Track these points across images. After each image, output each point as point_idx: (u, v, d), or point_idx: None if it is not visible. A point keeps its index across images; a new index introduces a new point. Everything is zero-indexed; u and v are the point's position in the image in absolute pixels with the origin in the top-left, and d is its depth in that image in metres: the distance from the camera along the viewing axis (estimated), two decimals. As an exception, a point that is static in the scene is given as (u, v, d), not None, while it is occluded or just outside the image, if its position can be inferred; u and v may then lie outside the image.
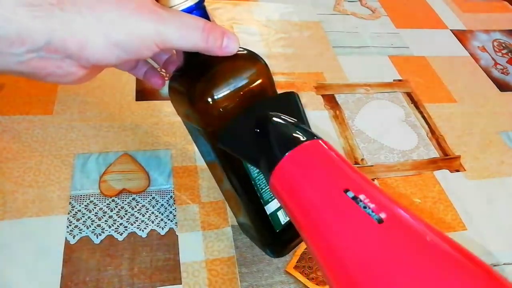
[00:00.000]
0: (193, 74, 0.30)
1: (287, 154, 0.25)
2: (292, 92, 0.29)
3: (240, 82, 0.30)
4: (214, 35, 0.27)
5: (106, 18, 0.25)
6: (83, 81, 0.28)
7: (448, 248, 0.21)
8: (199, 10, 0.29)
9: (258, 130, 0.27)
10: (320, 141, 0.26)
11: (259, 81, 0.31)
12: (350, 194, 0.22)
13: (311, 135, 0.26)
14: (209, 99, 0.29)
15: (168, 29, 0.26)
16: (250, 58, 0.31)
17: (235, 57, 0.30)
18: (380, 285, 0.19)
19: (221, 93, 0.29)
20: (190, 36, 0.27)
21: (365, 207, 0.21)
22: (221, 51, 0.28)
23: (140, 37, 0.26)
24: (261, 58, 0.32)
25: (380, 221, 0.21)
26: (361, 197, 0.22)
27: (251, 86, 0.30)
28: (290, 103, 0.29)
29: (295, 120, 0.28)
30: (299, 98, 0.29)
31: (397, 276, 0.19)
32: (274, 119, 0.27)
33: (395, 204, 0.22)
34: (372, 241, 0.21)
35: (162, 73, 0.39)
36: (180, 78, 0.31)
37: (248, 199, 0.34)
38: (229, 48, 0.28)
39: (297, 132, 0.26)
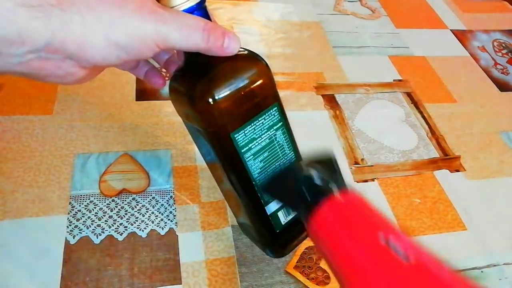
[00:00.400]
0: (193, 74, 0.30)
1: (324, 201, 0.28)
2: (330, 157, 0.33)
3: (240, 82, 0.30)
4: (215, 35, 0.27)
5: (106, 18, 0.24)
6: (84, 81, 0.28)
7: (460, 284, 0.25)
8: (200, 10, 0.29)
9: (299, 181, 0.31)
10: (353, 191, 0.30)
11: (260, 82, 0.30)
12: (382, 236, 0.25)
13: (345, 186, 0.30)
14: (210, 100, 0.29)
15: (168, 29, 0.26)
16: (251, 59, 0.31)
17: (236, 57, 0.30)
18: None
19: (222, 93, 0.29)
20: (190, 36, 0.27)
21: (395, 248, 0.25)
22: (222, 51, 0.28)
23: (141, 37, 0.26)
24: (262, 59, 0.31)
25: (408, 259, 0.24)
26: (391, 239, 0.25)
27: (252, 87, 0.30)
28: (327, 161, 0.33)
29: (332, 174, 0.32)
30: (335, 159, 0.33)
31: None
32: (314, 171, 0.31)
33: (418, 245, 0.26)
34: (401, 277, 0.24)
35: (163, 73, 0.39)
36: (181, 78, 0.31)
37: (248, 199, 0.34)
38: (230, 48, 0.28)
39: (333, 183, 0.30)
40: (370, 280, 0.25)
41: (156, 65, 0.38)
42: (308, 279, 0.40)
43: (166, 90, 0.55)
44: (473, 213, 0.49)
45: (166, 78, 0.37)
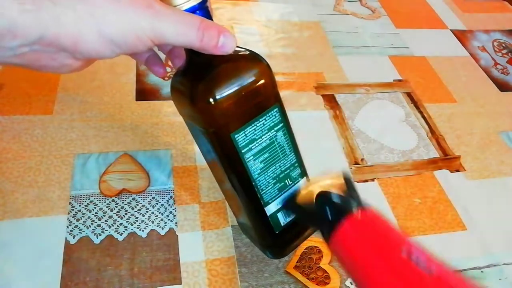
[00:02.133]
0: (195, 74, 0.30)
1: (345, 219, 0.29)
2: (345, 173, 0.34)
3: (242, 82, 0.29)
4: (209, 34, 0.27)
5: (99, 12, 0.24)
6: (80, 70, 0.28)
7: None
8: (202, 10, 0.29)
9: (320, 200, 0.32)
10: (372, 210, 0.30)
11: (261, 82, 0.30)
12: (404, 252, 0.26)
13: (364, 205, 0.30)
14: (211, 100, 0.29)
15: (163, 25, 0.26)
16: (252, 59, 0.31)
17: (238, 57, 0.30)
18: None
19: (223, 93, 0.29)
20: (185, 33, 0.26)
21: (417, 261, 0.26)
22: (216, 50, 0.28)
23: (135, 32, 0.25)
24: (264, 59, 0.31)
25: (430, 272, 0.25)
26: (414, 254, 0.26)
27: (253, 87, 0.30)
28: (343, 179, 0.34)
29: (350, 193, 0.32)
30: (351, 178, 0.34)
31: None
32: (334, 191, 0.32)
33: (437, 259, 0.26)
34: None
35: (169, 64, 0.38)
36: (183, 77, 0.31)
37: (248, 200, 0.34)
38: (224, 47, 0.28)
39: (353, 203, 0.31)
40: None
41: (161, 55, 0.38)
42: (308, 279, 0.40)
43: (165, 90, 0.55)
44: (473, 213, 0.49)
45: (168, 73, 0.37)
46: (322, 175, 0.35)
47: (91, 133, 0.48)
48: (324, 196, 0.32)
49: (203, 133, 0.31)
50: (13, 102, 0.50)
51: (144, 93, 0.54)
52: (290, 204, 0.35)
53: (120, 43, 0.25)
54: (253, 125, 0.31)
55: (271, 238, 0.36)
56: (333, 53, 0.67)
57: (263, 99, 0.31)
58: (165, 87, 0.55)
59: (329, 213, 0.30)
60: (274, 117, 0.32)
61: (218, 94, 0.29)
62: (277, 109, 0.32)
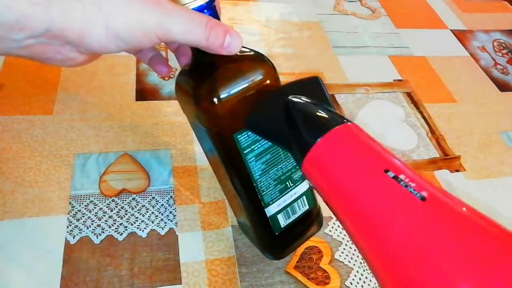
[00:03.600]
0: (200, 73, 0.30)
1: (320, 138, 0.24)
2: (316, 77, 0.28)
3: (246, 83, 0.29)
4: (215, 33, 0.27)
5: (107, 7, 0.24)
6: (84, 64, 0.28)
7: (485, 221, 0.23)
8: (210, 9, 0.29)
9: (287, 115, 0.26)
10: (352, 124, 0.26)
11: (265, 83, 0.30)
12: (391, 174, 0.22)
13: (342, 119, 0.25)
14: (215, 99, 0.29)
15: (170, 22, 0.26)
16: (257, 59, 0.31)
17: (243, 57, 0.30)
18: (429, 261, 0.20)
19: (227, 93, 0.29)
20: (192, 31, 0.26)
21: (406, 186, 0.22)
22: (222, 49, 0.28)
23: (142, 28, 0.25)
24: (269, 60, 0.31)
25: (423, 199, 0.21)
26: (402, 176, 0.22)
27: (257, 88, 0.30)
28: (314, 87, 0.28)
29: (324, 104, 0.27)
30: (322, 82, 0.28)
31: (445, 250, 0.20)
32: (304, 103, 0.26)
33: (431, 184, 0.22)
34: (417, 218, 0.21)
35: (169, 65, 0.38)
36: (187, 77, 0.31)
37: (248, 201, 0.34)
38: (230, 47, 0.28)
39: (328, 116, 0.25)
40: (383, 222, 0.22)
41: (163, 53, 0.37)
42: (308, 279, 0.40)
43: (165, 90, 0.55)
44: (473, 213, 0.49)
45: (172, 71, 0.37)
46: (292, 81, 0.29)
47: (91, 133, 0.48)
48: (296, 107, 0.26)
49: (206, 132, 0.31)
50: (13, 102, 0.50)
51: (144, 93, 0.54)
52: (255, 120, 0.29)
53: (126, 39, 0.26)
54: None
55: (271, 239, 0.36)
56: (333, 53, 0.67)
57: None
58: (165, 87, 0.55)
59: (299, 128, 0.25)
60: None
61: (222, 94, 0.29)
62: None
